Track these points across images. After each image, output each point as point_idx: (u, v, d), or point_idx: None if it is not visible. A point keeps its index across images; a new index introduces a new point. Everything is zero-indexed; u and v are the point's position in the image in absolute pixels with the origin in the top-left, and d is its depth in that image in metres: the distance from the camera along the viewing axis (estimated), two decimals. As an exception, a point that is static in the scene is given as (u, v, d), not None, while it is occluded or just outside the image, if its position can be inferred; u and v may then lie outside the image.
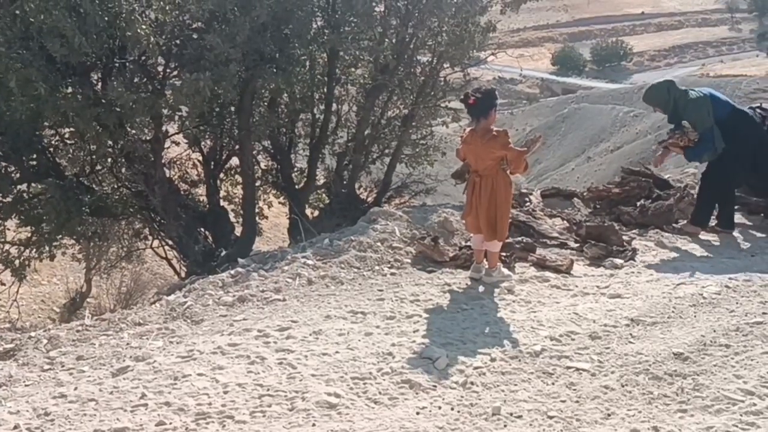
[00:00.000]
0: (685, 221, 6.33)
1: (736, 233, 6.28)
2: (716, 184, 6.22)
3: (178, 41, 6.79)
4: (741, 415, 3.09)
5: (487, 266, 4.98)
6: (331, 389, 3.37)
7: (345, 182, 8.93)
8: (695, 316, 4.30)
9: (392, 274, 5.18)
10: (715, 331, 4.03)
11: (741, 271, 5.23)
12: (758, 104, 6.82)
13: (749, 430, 2.98)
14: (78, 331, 4.35)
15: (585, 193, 7.18)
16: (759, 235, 6.33)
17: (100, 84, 6.76)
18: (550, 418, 3.10)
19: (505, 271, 5.05)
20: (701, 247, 5.95)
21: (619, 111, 42.83)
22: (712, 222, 6.38)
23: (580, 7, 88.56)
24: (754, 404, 3.19)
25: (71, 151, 7.64)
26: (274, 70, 6.88)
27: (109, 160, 7.60)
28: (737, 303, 4.54)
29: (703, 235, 6.24)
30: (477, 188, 4.81)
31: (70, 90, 6.17)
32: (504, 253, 5.19)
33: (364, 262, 5.30)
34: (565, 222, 6.37)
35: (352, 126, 9.12)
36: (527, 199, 6.89)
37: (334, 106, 8.84)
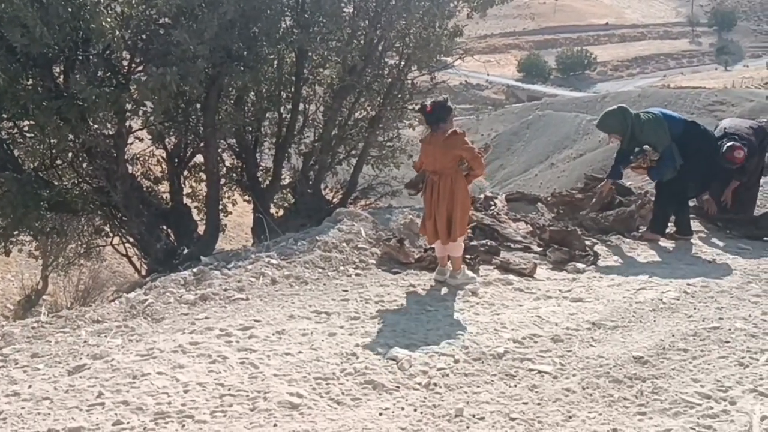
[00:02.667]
0: (645, 228, 6.47)
1: (694, 240, 6.42)
2: (671, 194, 6.39)
3: (144, 36, 6.67)
4: (698, 419, 3.15)
5: (451, 269, 5.00)
6: (294, 389, 3.34)
7: (311, 182, 8.88)
8: (655, 321, 4.38)
9: (357, 274, 5.16)
10: (673, 335, 4.11)
11: (699, 276, 5.35)
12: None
13: (705, 433, 3.03)
14: (33, 328, 4.24)
15: (549, 199, 7.27)
16: (716, 242, 6.49)
17: (62, 77, 6.61)
18: (512, 420, 3.11)
19: (470, 273, 5.07)
20: (661, 253, 6.07)
21: (583, 119, 43.51)
22: (672, 229, 6.52)
23: (547, 15, 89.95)
24: (711, 408, 3.25)
25: (30, 144, 7.44)
26: (242, 68, 6.82)
27: (70, 154, 7.42)
28: (695, 308, 4.63)
29: (663, 242, 6.37)
30: (435, 188, 4.83)
31: (30, 81, 6.02)
32: (468, 256, 5.22)
33: (329, 262, 5.27)
34: (528, 226, 6.43)
35: (318, 126, 9.08)
36: (492, 202, 6.94)
37: (302, 105, 8.80)
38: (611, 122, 6.31)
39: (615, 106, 6.48)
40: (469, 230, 5.23)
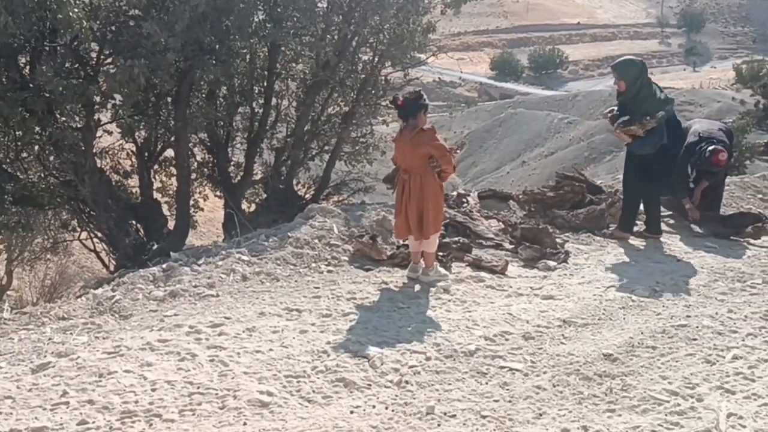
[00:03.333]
0: (615, 226, 6.53)
1: (663, 238, 6.50)
2: (639, 192, 6.41)
3: (113, 27, 6.54)
4: (666, 415, 3.19)
5: (424, 266, 5.00)
6: (264, 387, 3.30)
7: (283, 178, 8.82)
8: (624, 319, 4.43)
9: (329, 271, 5.13)
10: (642, 333, 4.16)
11: (667, 274, 5.42)
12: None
13: (674, 430, 3.07)
14: (-4, 325, 4.14)
15: (520, 196, 7.30)
16: (684, 240, 6.58)
17: (28, 67, 6.46)
18: (483, 417, 3.12)
19: (442, 270, 5.07)
20: (630, 252, 6.13)
21: (554, 117, 43.96)
22: (642, 227, 6.60)
23: (520, 14, 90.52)
24: (678, 404, 3.29)
25: (-6, 136, 7.27)
26: (214, 62, 6.73)
27: (36, 147, 7.26)
28: (663, 306, 4.69)
29: (633, 240, 6.44)
30: (406, 187, 4.81)
31: (-6, 72, 5.87)
32: (441, 253, 5.22)
33: (301, 258, 5.23)
34: (500, 224, 6.46)
35: (291, 121, 9.02)
36: (464, 200, 6.95)
37: (274, 100, 8.73)
38: (630, 70, 6.13)
39: (636, 59, 6.38)
40: (442, 228, 5.22)
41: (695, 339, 4.10)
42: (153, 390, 3.25)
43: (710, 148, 6.70)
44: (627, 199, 6.53)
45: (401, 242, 5.46)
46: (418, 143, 4.69)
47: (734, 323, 4.39)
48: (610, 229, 6.52)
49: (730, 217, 6.96)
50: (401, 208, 4.87)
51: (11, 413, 3.04)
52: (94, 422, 2.97)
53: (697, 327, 4.28)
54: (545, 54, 76.82)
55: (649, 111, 6.03)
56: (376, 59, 8.78)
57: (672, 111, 6.27)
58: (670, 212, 7.20)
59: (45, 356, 3.61)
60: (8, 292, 10.76)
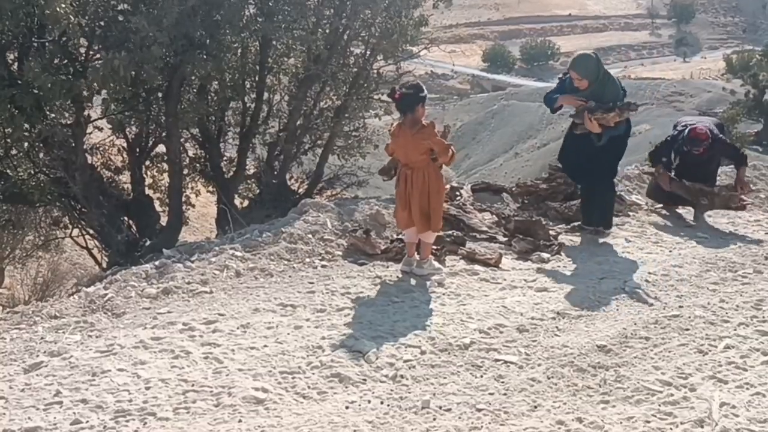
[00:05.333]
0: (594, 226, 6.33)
1: (654, 229, 6.52)
2: (611, 184, 6.24)
3: (102, 22, 6.50)
4: (659, 406, 3.20)
5: (418, 259, 4.99)
6: (259, 384, 3.29)
7: (276, 173, 8.80)
8: (617, 310, 4.44)
9: (323, 266, 5.12)
10: (635, 324, 4.17)
11: (659, 265, 5.44)
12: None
13: (667, 420, 3.09)
14: (-13, 324, 4.11)
15: (514, 189, 7.30)
16: (676, 231, 6.60)
17: (16, 64, 6.41)
18: (479, 410, 3.12)
19: (436, 264, 5.07)
20: (623, 243, 6.15)
21: (547, 109, 44.01)
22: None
23: (511, 6, 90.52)
24: (672, 395, 3.30)
25: (-18, 134, 7.22)
26: (204, 57, 6.70)
27: (26, 144, 7.21)
28: (656, 297, 4.71)
29: (624, 231, 6.45)
30: (409, 181, 4.81)
31: (-19, 69, 5.82)
32: (435, 247, 5.22)
33: (295, 254, 5.22)
34: (494, 216, 6.45)
35: (283, 116, 9.00)
36: (458, 193, 6.94)
37: (266, 95, 8.71)
38: (591, 66, 5.76)
39: (590, 52, 6.11)
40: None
41: (688, 329, 4.12)
42: (147, 388, 3.24)
43: (687, 128, 6.74)
44: (607, 194, 6.19)
45: (398, 234, 5.46)
46: (420, 139, 4.68)
47: (726, 313, 4.41)
48: (592, 229, 6.22)
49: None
50: (405, 202, 4.85)
51: (4, 413, 3.02)
52: (87, 422, 2.95)
53: (690, 317, 4.29)
54: (537, 46, 76.98)
55: (612, 99, 5.73)
56: (368, 53, 8.76)
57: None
58: (660, 203, 7.21)
59: (37, 356, 3.59)
60: (0, 290, 10.71)
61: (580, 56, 5.93)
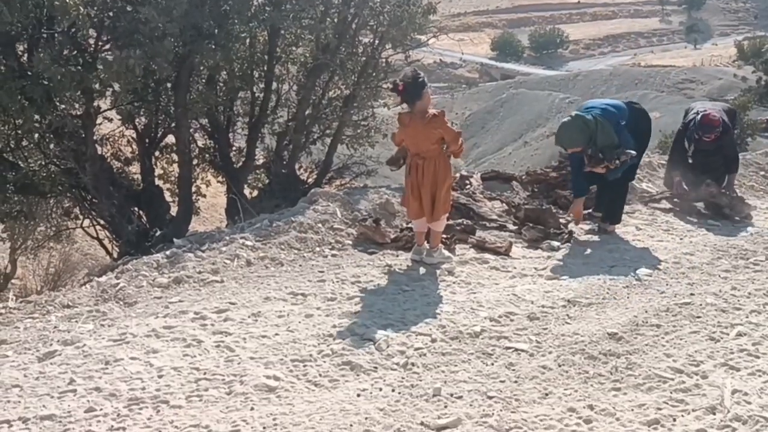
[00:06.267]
0: (603, 220, 6.18)
1: (666, 217, 6.49)
2: (624, 181, 6.00)
3: (110, 13, 6.48)
4: (671, 393, 3.20)
5: (428, 248, 5.00)
6: (271, 372, 3.31)
7: (285, 162, 8.79)
8: (628, 298, 4.43)
9: (333, 255, 5.13)
10: (646, 311, 4.16)
11: (670, 253, 5.42)
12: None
13: (679, 407, 3.08)
14: (1, 314, 4.15)
15: (523, 177, 7.29)
16: (687, 219, 6.57)
17: (26, 55, 6.42)
18: (490, 398, 3.13)
19: (446, 252, 5.07)
20: (633, 231, 6.13)
21: (555, 97, 43.80)
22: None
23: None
24: (683, 382, 3.30)
25: (-7, 125, 7.24)
26: (213, 47, 6.68)
27: (36, 135, 7.23)
28: (667, 284, 4.70)
29: (634, 219, 6.43)
30: (420, 171, 4.80)
31: (-8, 61, 5.84)
32: (444, 235, 5.22)
33: (305, 243, 5.23)
34: (504, 205, 6.45)
35: (292, 105, 8.97)
36: (467, 181, 6.93)
37: (275, 84, 8.67)
38: (577, 136, 5.56)
39: (570, 117, 5.69)
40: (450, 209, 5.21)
41: (699, 317, 4.10)
42: (159, 377, 3.26)
43: (699, 115, 6.68)
44: (620, 189, 6.03)
45: (407, 223, 5.46)
46: (432, 128, 4.67)
47: (738, 300, 4.40)
48: (598, 223, 6.16)
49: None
50: (416, 192, 4.85)
51: (19, 401, 3.05)
52: (101, 409, 2.98)
53: (701, 305, 4.28)
54: (546, 34, 76.46)
55: (604, 145, 5.53)
56: (377, 41, 8.72)
57: (626, 114, 5.79)
58: (670, 192, 7.17)
59: (51, 344, 3.62)
60: (12, 281, 10.79)
61: (561, 129, 5.67)
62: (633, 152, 5.58)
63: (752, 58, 51.08)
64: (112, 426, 2.87)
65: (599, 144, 5.54)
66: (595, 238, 5.90)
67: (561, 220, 5.96)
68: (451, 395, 3.15)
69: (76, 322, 3.96)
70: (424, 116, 4.68)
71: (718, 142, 6.75)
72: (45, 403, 3.03)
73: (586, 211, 6.26)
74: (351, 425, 2.88)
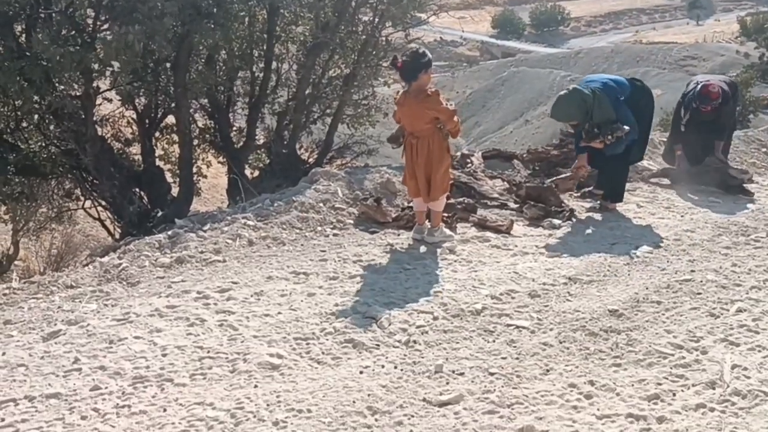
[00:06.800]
0: (602, 198, 6.14)
1: (666, 194, 6.48)
2: (625, 158, 5.97)
3: (108, -8, 6.44)
4: (671, 368, 3.22)
5: (429, 226, 5.00)
6: (274, 350, 3.34)
7: (285, 142, 8.78)
8: (629, 275, 4.44)
9: (335, 234, 5.15)
10: (647, 288, 4.17)
11: (671, 230, 5.43)
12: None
13: (678, 382, 3.11)
14: (5, 294, 4.17)
15: (525, 155, 7.27)
16: (688, 195, 6.57)
17: (24, 36, 6.38)
18: (491, 374, 3.15)
19: (447, 231, 5.08)
20: (633, 208, 6.13)
21: (557, 75, 43.50)
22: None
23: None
24: (683, 357, 3.32)
25: (-7, 106, 7.22)
26: (212, 26, 6.63)
27: (36, 116, 7.21)
28: (668, 261, 4.71)
29: (635, 196, 6.43)
30: (414, 150, 4.80)
31: (-10, 41, 5.81)
32: (446, 214, 5.23)
33: (306, 222, 5.24)
34: (505, 183, 6.44)
35: (292, 85, 8.94)
36: (469, 160, 6.92)
37: (274, 64, 8.63)
38: (572, 111, 5.60)
39: (567, 90, 5.72)
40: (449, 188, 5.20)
41: (699, 293, 4.12)
42: (163, 355, 3.29)
43: (699, 85, 6.65)
44: (620, 167, 6.01)
45: (408, 202, 5.47)
46: (426, 107, 4.64)
47: (738, 277, 4.41)
48: (599, 202, 6.13)
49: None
50: (412, 171, 4.85)
51: (25, 380, 3.08)
52: (106, 387, 3.01)
53: (702, 281, 4.30)
54: (547, 11, 75.72)
55: (601, 119, 5.54)
56: (377, 20, 8.66)
57: (628, 89, 5.78)
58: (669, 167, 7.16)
59: (55, 324, 3.65)
60: (16, 262, 10.82)
61: (557, 103, 5.68)
62: (626, 128, 5.54)
63: (755, 34, 50.71)
64: (118, 404, 2.90)
65: (596, 119, 5.54)
66: (597, 216, 5.90)
67: (562, 198, 5.96)
68: (453, 372, 3.17)
69: (80, 302, 3.98)
70: (419, 95, 4.65)
71: (716, 113, 6.73)
72: (50, 382, 3.06)
73: (586, 189, 6.27)
74: (354, 402, 2.91)
